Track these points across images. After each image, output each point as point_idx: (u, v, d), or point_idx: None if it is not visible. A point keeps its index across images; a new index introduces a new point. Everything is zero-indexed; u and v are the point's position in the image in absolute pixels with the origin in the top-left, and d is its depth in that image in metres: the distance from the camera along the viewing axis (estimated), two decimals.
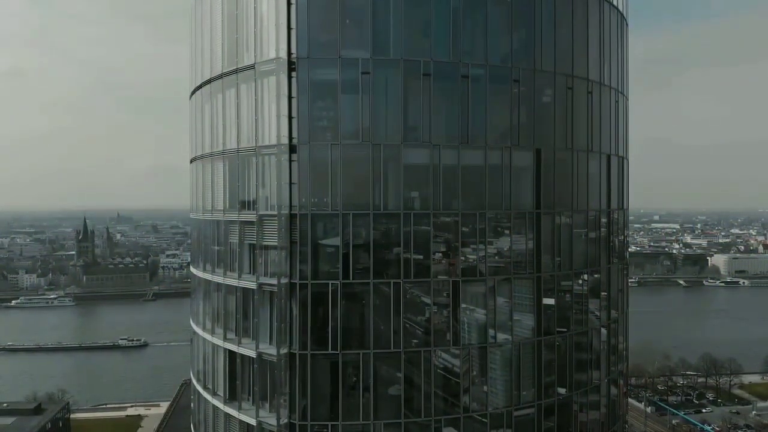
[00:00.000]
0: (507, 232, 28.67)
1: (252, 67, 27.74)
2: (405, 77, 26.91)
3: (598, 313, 32.70)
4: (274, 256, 27.49)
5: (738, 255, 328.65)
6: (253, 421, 27.80)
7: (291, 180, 26.54)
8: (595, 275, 32.49)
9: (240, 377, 28.95)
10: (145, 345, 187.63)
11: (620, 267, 34.90)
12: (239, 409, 28.68)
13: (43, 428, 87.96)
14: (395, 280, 26.79)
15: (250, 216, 28.18)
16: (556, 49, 29.74)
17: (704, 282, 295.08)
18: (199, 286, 33.08)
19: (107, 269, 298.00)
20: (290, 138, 26.45)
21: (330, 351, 26.65)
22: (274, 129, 27.08)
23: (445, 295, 27.48)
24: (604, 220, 33.06)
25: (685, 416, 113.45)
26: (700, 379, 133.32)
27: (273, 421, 27.20)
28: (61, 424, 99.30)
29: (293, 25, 26.35)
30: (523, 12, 28.95)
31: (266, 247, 27.70)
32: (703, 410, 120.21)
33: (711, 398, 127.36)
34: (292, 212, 26.55)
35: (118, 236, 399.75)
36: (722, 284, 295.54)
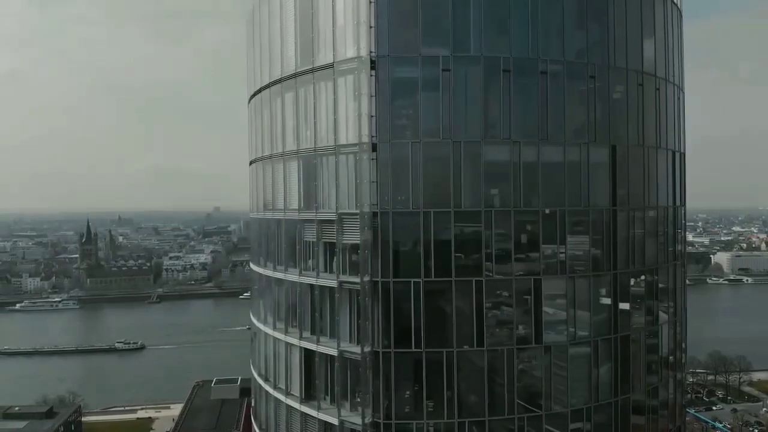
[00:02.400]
0: (585, 229, 28.62)
1: (330, 66, 27.65)
2: (485, 74, 26.83)
3: (666, 314, 32.69)
4: (355, 255, 27.41)
5: (741, 253, 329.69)
6: (334, 420, 27.68)
7: (372, 179, 26.43)
8: (659, 274, 32.43)
9: (318, 376, 28.82)
10: (142, 348, 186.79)
11: (680, 266, 34.90)
12: (318, 408, 28.53)
13: None
14: (477, 278, 26.70)
15: (329, 215, 28.07)
16: (627, 45, 29.72)
17: (708, 280, 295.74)
18: (267, 284, 33.03)
19: (111, 272, 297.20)
20: (372, 136, 26.35)
21: (413, 349, 26.54)
22: (353, 128, 27.00)
23: (526, 292, 27.39)
24: (670, 217, 33.06)
25: (696, 414, 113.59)
26: (710, 377, 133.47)
27: (356, 420, 27.09)
28: (73, 428, 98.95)
29: (373, 23, 26.26)
30: (595, 7, 28.92)
31: (346, 246, 27.59)
32: (713, 407, 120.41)
33: (721, 396, 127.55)
34: (374, 210, 26.45)
35: (120, 239, 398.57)
36: (726, 282, 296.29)
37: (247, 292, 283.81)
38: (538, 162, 27.49)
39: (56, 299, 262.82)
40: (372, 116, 26.27)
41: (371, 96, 26.29)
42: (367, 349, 26.62)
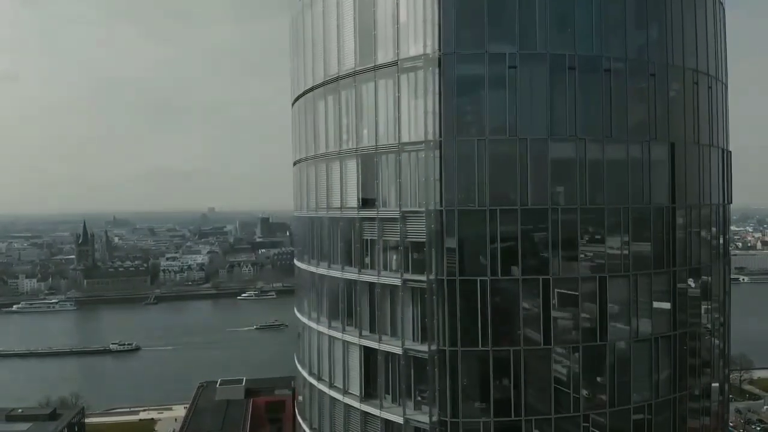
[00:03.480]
0: (646, 226, 28.66)
1: (394, 64, 27.50)
2: (550, 71, 26.81)
3: (715, 312, 32.81)
4: (418, 253, 27.32)
5: (737, 252, 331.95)
6: (399, 419, 27.55)
7: (438, 176, 26.33)
8: (712, 272, 32.53)
9: (380, 375, 28.69)
10: (137, 349, 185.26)
11: (726, 264, 35.04)
12: (380, 407, 28.39)
13: None
14: (544, 277, 26.68)
15: (391, 213, 27.93)
16: (683, 43, 29.81)
17: None
18: (320, 282, 32.88)
19: (108, 273, 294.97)
20: (437, 134, 26.25)
21: (480, 348, 26.47)
22: (419, 125, 26.90)
23: (591, 290, 27.38)
24: (719, 215, 33.19)
25: None
26: None
27: (422, 418, 27.00)
28: (76, 429, 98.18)
29: (439, 21, 26.17)
30: (654, 5, 28.98)
31: (410, 244, 27.48)
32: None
33: None
34: (439, 208, 26.36)
35: (116, 240, 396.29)
36: None
37: (245, 293, 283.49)
38: (603, 159, 27.52)
39: (53, 300, 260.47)
40: (438, 114, 26.17)
41: (437, 93, 26.20)
42: (433, 347, 26.52)
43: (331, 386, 31.58)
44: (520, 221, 26.51)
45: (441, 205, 26.24)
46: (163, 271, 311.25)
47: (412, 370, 27.51)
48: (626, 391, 28.03)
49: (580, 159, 27.11)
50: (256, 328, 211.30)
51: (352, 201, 30.07)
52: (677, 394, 29.47)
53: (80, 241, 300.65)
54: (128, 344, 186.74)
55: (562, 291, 27.14)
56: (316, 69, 32.31)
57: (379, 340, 28.49)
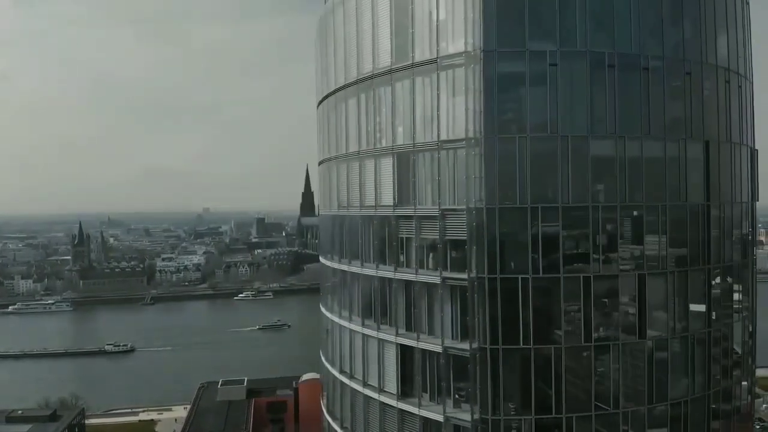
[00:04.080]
0: (682, 224, 28.78)
1: (433, 61, 27.47)
2: (590, 69, 26.87)
3: (746, 311, 32.99)
4: (457, 251, 27.31)
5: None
6: (439, 417, 27.53)
7: (479, 174, 26.32)
8: (741, 270, 32.69)
9: (418, 373, 28.66)
10: (132, 350, 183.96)
11: (753, 262, 35.23)
12: (419, 405, 28.35)
13: None
14: (584, 274, 26.74)
15: (430, 211, 27.90)
16: (716, 41, 29.96)
17: None
18: (352, 281, 32.83)
19: (104, 274, 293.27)
20: (479, 132, 26.24)
21: (522, 345, 26.48)
22: (459, 123, 26.90)
23: (631, 288, 27.49)
24: (748, 213, 33.36)
25: None
26: None
27: (463, 416, 27.00)
28: (77, 430, 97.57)
29: (480, 19, 26.17)
30: (689, 3, 29.10)
31: (449, 242, 27.47)
32: None
33: None
34: (480, 206, 26.36)
35: (111, 240, 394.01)
36: None
37: (242, 293, 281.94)
38: (641, 157, 27.63)
39: (49, 301, 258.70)
40: (479, 111, 26.17)
41: (479, 91, 26.19)
42: (474, 345, 26.51)
43: (365, 385, 31.49)
44: (561, 219, 26.54)
45: (482, 203, 26.22)
46: (160, 271, 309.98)
47: (452, 369, 27.50)
48: (663, 388, 28.12)
49: (619, 157, 27.21)
50: (259, 329, 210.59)
51: (388, 199, 30.00)
52: (711, 390, 29.60)
53: (76, 241, 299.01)
54: (123, 345, 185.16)
55: (602, 289, 27.21)
56: (349, 67, 32.21)
57: (418, 339, 28.45)
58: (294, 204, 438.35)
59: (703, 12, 29.29)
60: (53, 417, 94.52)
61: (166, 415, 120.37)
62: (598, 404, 27.04)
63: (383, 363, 30.45)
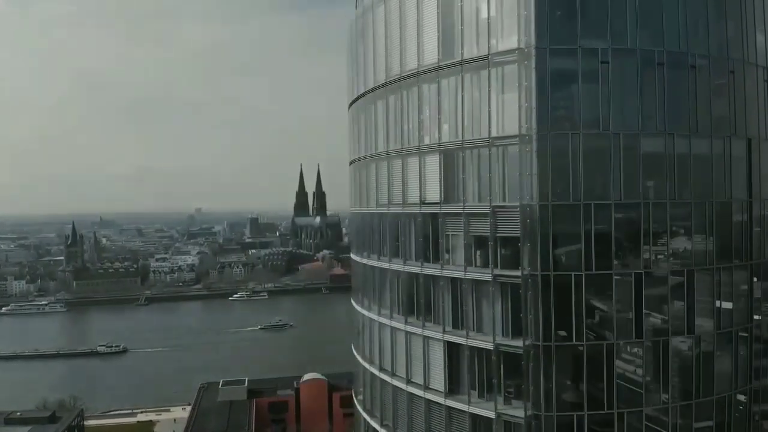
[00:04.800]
0: (727, 221, 29.06)
1: (484, 58, 27.50)
2: (641, 67, 27.04)
3: None
4: (507, 248, 27.36)
5: None
6: (490, 414, 27.56)
7: (531, 171, 26.39)
8: None
9: (467, 370, 28.72)
10: (124, 351, 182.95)
11: None
12: (468, 403, 28.38)
13: None
14: (636, 271, 26.93)
15: (480, 208, 27.92)
16: (756, 41, 30.24)
17: None
18: (393, 279, 32.89)
19: (97, 274, 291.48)
20: (532, 129, 26.31)
21: (574, 342, 26.60)
22: (510, 120, 26.91)
23: (679, 284, 27.68)
24: None
25: None
26: None
27: (514, 413, 27.04)
28: None
29: (532, 16, 26.25)
30: (732, 3, 29.36)
31: (499, 239, 27.52)
32: None
33: None
34: (533, 203, 26.43)
35: (104, 241, 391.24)
36: None
37: (237, 293, 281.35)
38: (689, 154, 27.85)
39: (43, 302, 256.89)
40: (533, 108, 26.25)
41: (533, 88, 26.27)
42: (527, 342, 26.58)
43: (409, 382, 31.45)
44: (613, 216, 26.69)
45: (535, 200, 26.29)
46: (153, 272, 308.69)
47: (502, 365, 27.55)
48: (710, 383, 28.37)
49: (668, 154, 27.43)
50: (261, 328, 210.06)
51: (433, 196, 29.99)
52: (752, 384, 29.90)
53: (69, 242, 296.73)
54: (116, 346, 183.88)
55: (652, 285, 27.40)
56: (391, 66, 32.14)
57: (467, 336, 28.46)
58: (287, 204, 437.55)
59: (743, 11, 29.57)
60: (52, 419, 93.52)
61: (164, 415, 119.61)
62: (649, 400, 27.25)
63: (428, 360, 30.42)
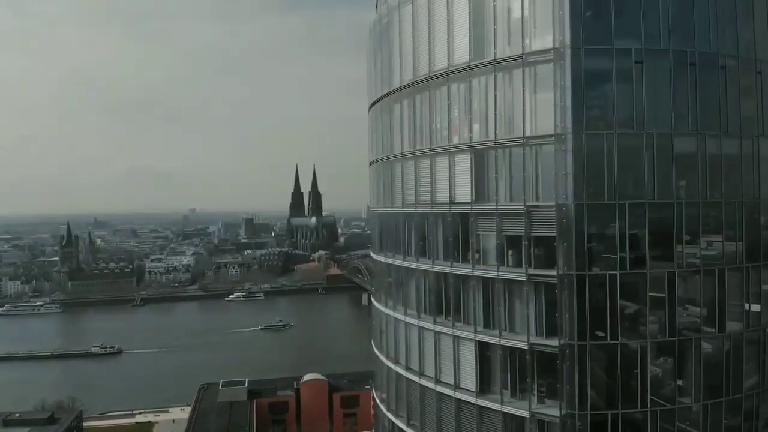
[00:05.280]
0: (756, 220, 29.26)
1: (518, 58, 27.57)
2: (673, 67, 27.19)
3: None
4: (540, 248, 27.44)
5: None
6: (524, 413, 27.64)
7: (566, 170, 26.48)
8: None
9: (500, 369, 28.79)
10: (119, 352, 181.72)
11: None
12: (501, 402, 28.44)
13: None
14: (669, 270, 27.08)
15: (513, 207, 27.98)
16: None
17: None
18: (420, 279, 32.92)
19: (93, 275, 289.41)
20: (568, 128, 26.41)
21: (608, 341, 26.71)
22: (544, 119, 27.01)
23: (710, 283, 27.85)
24: None
25: None
26: None
27: (549, 412, 27.15)
28: None
29: (567, 16, 26.35)
30: (759, 3, 29.55)
31: (533, 239, 27.60)
32: None
33: None
34: (569, 203, 26.49)
35: (99, 241, 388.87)
36: None
37: (232, 294, 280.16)
38: (720, 154, 28.04)
39: (38, 303, 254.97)
40: (568, 108, 26.35)
41: (568, 88, 26.37)
42: (563, 341, 26.67)
43: (438, 382, 31.49)
44: (647, 215, 26.84)
45: (571, 200, 26.38)
46: (149, 272, 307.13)
47: (536, 365, 27.63)
48: (739, 380, 28.57)
49: (700, 153, 27.64)
50: (261, 329, 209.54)
51: (464, 196, 30.04)
52: None
53: (64, 242, 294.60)
54: (110, 347, 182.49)
55: (685, 283, 27.61)
56: (419, 65, 32.17)
57: (500, 336, 28.51)
58: (282, 204, 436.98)
59: None
60: (51, 420, 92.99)
61: (163, 416, 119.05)
62: (681, 397, 27.41)
63: (458, 360, 30.47)
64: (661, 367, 27.52)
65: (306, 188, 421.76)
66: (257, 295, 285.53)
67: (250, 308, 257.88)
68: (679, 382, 27.57)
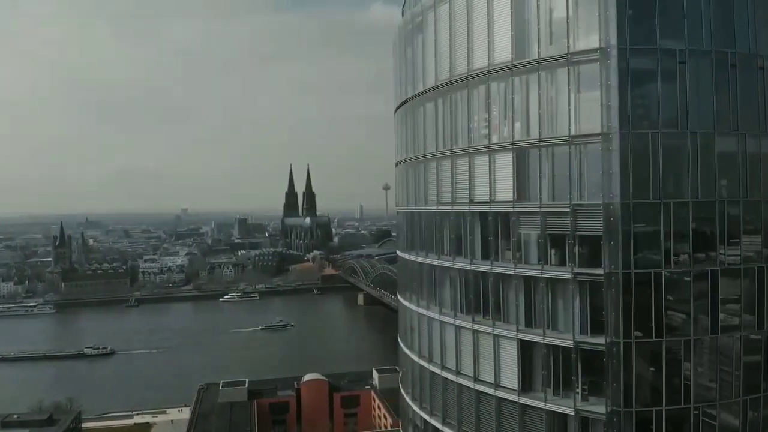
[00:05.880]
0: None
1: (563, 57, 27.75)
2: (715, 67, 27.49)
3: None
4: (589, 246, 27.61)
5: None
6: (568, 411, 27.83)
7: (613, 169, 26.70)
8: None
9: (541, 368, 28.98)
10: (111, 353, 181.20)
11: None
12: (545, 400, 28.62)
13: None
14: (712, 268, 27.38)
15: (558, 206, 28.15)
16: None
17: None
18: (457, 278, 33.05)
19: (86, 275, 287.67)
20: (615, 127, 26.62)
21: (654, 338, 26.96)
22: (590, 118, 27.17)
23: (751, 281, 28.17)
24: None
25: None
26: None
27: (593, 409, 27.36)
28: None
29: (614, 16, 26.57)
30: None
31: (578, 237, 27.79)
32: None
33: None
34: (614, 201, 26.71)
35: (91, 242, 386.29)
36: None
37: (227, 295, 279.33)
38: (759, 153, 28.41)
39: (32, 304, 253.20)
40: (615, 107, 26.56)
41: (613, 87, 26.59)
42: (609, 339, 26.88)
43: (477, 380, 31.62)
44: (690, 214, 27.13)
45: (617, 198, 26.59)
46: (143, 273, 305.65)
47: (581, 363, 27.83)
48: None
49: (741, 153, 27.97)
50: (262, 329, 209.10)
51: (505, 195, 30.12)
52: None
53: (57, 243, 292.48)
54: (102, 348, 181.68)
55: (727, 281, 27.85)
56: (456, 65, 32.24)
57: (544, 334, 28.68)
58: (274, 204, 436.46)
59: None
60: (50, 421, 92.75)
61: (161, 417, 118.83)
62: (722, 394, 27.71)
63: (499, 359, 30.60)
64: (703, 364, 27.80)
65: (300, 188, 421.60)
66: (252, 295, 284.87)
67: (246, 309, 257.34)
68: (721, 379, 27.85)
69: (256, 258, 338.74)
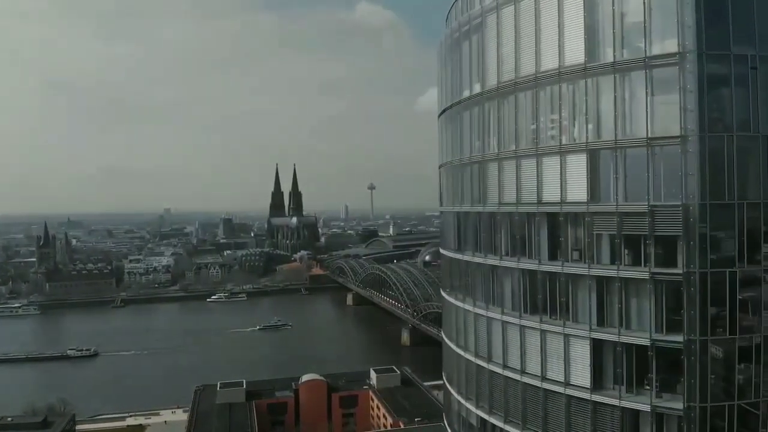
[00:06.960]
0: None
1: (641, 60, 28.32)
2: None
3: None
4: (666, 246, 28.27)
5: None
6: (645, 407, 28.43)
7: (693, 171, 27.39)
8: None
9: (613, 366, 29.58)
10: (95, 355, 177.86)
11: None
12: (620, 397, 29.17)
13: None
14: None
15: (636, 207, 28.68)
16: None
17: None
18: (524, 278, 33.52)
19: (71, 276, 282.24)
20: (694, 130, 27.27)
21: (728, 336, 27.67)
22: (665, 121, 27.88)
23: None
24: None
25: None
26: None
27: (669, 405, 28.01)
28: None
29: (693, 21, 27.22)
30: None
31: (655, 238, 28.39)
32: None
33: None
34: (693, 202, 27.35)
35: (74, 242, 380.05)
36: None
37: (214, 295, 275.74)
38: None
39: (16, 305, 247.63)
40: (693, 110, 27.23)
41: (691, 91, 27.26)
42: (687, 337, 27.52)
43: (544, 379, 32.09)
44: (763, 214, 27.91)
45: (695, 199, 27.25)
46: (128, 273, 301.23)
47: (656, 360, 28.45)
48: None
49: None
50: (260, 329, 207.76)
51: (578, 196, 30.60)
52: None
53: (41, 243, 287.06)
54: (86, 350, 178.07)
55: None
56: (522, 65, 32.70)
57: (618, 333, 29.23)
58: (259, 204, 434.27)
59: None
60: (45, 424, 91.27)
61: (154, 419, 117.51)
62: None
63: (569, 357, 31.09)
64: None
65: (286, 188, 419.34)
66: (240, 296, 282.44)
67: (234, 309, 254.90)
68: None
69: (243, 258, 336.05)
